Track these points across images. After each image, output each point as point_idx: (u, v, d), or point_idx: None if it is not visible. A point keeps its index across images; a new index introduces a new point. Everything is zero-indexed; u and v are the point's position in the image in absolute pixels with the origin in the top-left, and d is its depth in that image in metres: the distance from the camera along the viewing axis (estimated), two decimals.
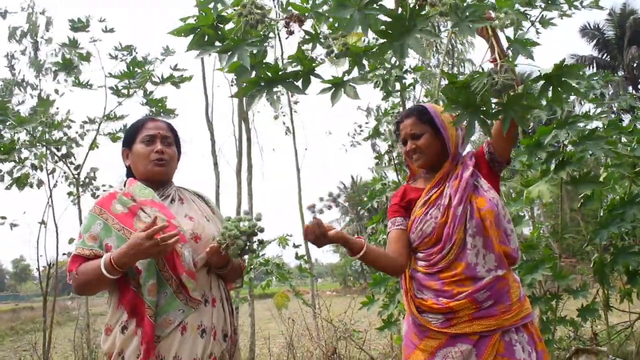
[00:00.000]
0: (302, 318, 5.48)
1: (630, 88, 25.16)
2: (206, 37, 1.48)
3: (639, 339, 4.76)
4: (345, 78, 1.50)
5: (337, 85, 1.50)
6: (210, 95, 7.25)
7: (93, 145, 4.51)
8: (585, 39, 27.23)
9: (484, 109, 1.45)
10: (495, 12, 1.46)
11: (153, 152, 2.02)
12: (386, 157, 3.99)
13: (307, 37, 1.51)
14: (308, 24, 1.50)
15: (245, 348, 5.74)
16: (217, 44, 1.49)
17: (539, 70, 1.46)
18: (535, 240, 3.85)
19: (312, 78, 1.55)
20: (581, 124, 3.25)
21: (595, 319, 4.25)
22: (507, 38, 1.48)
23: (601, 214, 3.62)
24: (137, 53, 4.18)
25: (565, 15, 4.30)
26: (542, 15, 4.31)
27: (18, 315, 19.39)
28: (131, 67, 4.00)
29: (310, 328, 5.61)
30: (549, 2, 4.38)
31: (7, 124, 3.73)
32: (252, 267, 4.79)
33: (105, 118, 4.34)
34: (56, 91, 4.61)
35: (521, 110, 1.41)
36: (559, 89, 1.42)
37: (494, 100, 1.49)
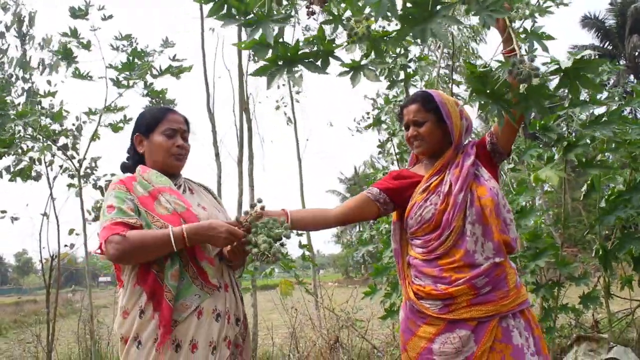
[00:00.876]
0: (305, 307, 5.49)
1: (631, 77, 25.09)
2: (226, 6, 1.47)
3: None
4: (364, 62, 1.51)
5: (356, 69, 1.51)
6: (212, 86, 7.24)
7: (94, 136, 4.51)
8: (586, 30, 27.12)
9: (507, 98, 1.46)
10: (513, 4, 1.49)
11: (174, 146, 2.06)
12: (388, 145, 3.99)
13: (329, 17, 1.51)
14: (330, 6, 1.50)
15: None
16: (237, 16, 1.49)
17: (557, 63, 1.46)
18: (538, 229, 3.86)
19: (332, 60, 1.55)
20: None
21: (596, 307, 4.28)
22: (524, 30, 1.50)
23: (602, 204, 3.63)
24: (137, 44, 4.17)
25: (562, 4, 4.31)
26: (539, 3, 4.33)
27: (21, 308, 19.45)
28: (131, 58, 3.99)
29: (313, 318, 5.63)
30: None
31: (9, 116, 3.72)
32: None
33: (105, 109, 4.33)
34: (48, 82, 4.57)
35: (542, 101, 1.41)
36: (577, 82, 1.43)
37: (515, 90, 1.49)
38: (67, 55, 4.04)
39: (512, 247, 2.02)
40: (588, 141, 3.28)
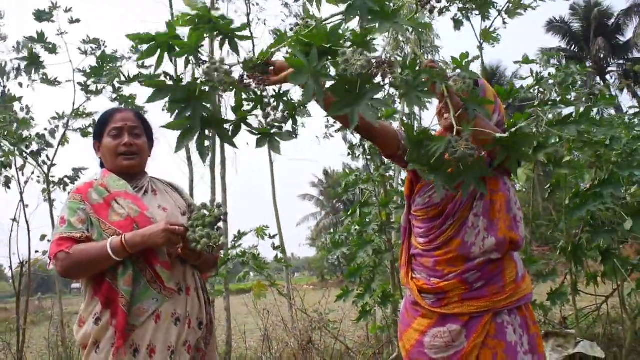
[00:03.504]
0: (278, 310, 5.51)
1: (597, 78, 25.69)
2: (159, 51, 1.38)
3: (606, 321, 4.90)
4: (273, 131, 1.44)
5: (264, 135, 1.44)
6: None
7: (63, 140, 4.45)
8: (552, 34, 27.68)
9: (444, 170, 1.40)
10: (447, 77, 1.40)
11: (120, 146, 2.01)
12: (360, 149, 4.03)
13: (251, 95, 1.47)
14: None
15: (222, 342, 5.75)
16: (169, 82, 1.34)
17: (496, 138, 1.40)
18: None
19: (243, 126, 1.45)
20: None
21: (564, 303, 4.38)
22: (462, 98, 1.43)
23: (567, 202, 3.72)
24: (105, 47, 4.13)
25: (530, 8, 4.41)
26: (508, 6, 4.41)
27: None
28: (100, 62, 3.96)
29: (286, 319, 5.64)
30: None
31: None
32: (228, 258, 4.80)
33: (74, 114, 4.29)
34: (20, 85, 4.51)
35: (480, 175, 1.38)
36: (515, 154, 1.39)
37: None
38: (33, 61, 3.98)
39: (519, 245, 1.95)
40: (557, 140, 3.36)
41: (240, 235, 5.02)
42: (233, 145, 1.41)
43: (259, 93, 1.47)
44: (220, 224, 1.88)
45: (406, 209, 2.15)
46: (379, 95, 1.32)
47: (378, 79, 1.28)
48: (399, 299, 3.84)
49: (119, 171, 2.03)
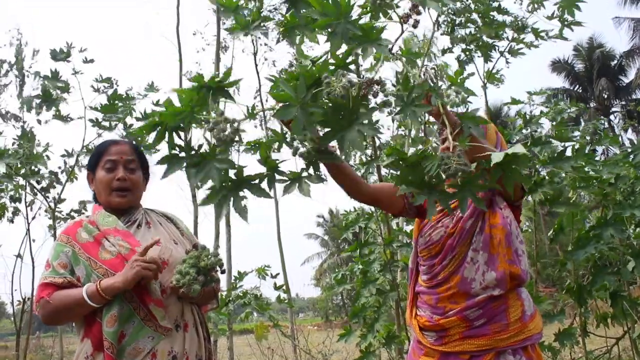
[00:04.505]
0: (282, 349, 5.43)
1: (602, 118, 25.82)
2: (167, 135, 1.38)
3: None
4: (303, 174, 1.43)
5: (293, 180, 1.43)
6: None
7: (71, 176, 4.50)
8: (556, 74, 28.00)
9: (442, 190, 1.39)
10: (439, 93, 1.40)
11: (115, 180, 1.96)
12: None
13: (273, 136, 1.47)
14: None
15: None
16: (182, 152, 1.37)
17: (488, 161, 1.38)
18: None
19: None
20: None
21: (573, 345, 4.30)
22: (457, 115, 1.44)
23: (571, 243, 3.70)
24: (118, 86, 4.23)
25: (533, 46, 4.48)
26: (511, 45, 4.49)
27: None
28: (112, 100, 4.03)
29: None
30: (517, 33, 4.53)
31: None
32: (230, 299, 4.76)
33: (84, 150, 4.34)
34: (39, 121, 4.60)
35: (477, 191, 1.37)
36: (509, 175, 1.38)
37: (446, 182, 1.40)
38: (47, 98, 4.06)
39: (521, 279, 1.90)
40: (555, 178, 3.37)
41: (241, 275, 5.00)
42: (269, 197, 1.38)
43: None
44: (218, 272, 1.88)
45: (413, 250, 2.16)
46: (373, 117, 1.32)
47: (370, 100, 1.30)
48: (404, 339, 3.79)
49: (111, 207, 1.99)
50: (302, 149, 1.39)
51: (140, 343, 1.79)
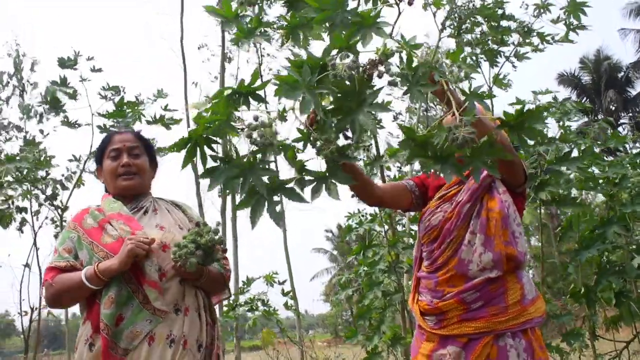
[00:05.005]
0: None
1: (609, 131, 25.69)
2: (198, 150, 1.37)
3: None
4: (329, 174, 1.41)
5: (319, 180, 1.40)
6: None
7: (78, 182, 4.55)
8: (563, 86, 27.95)
9: (453, 161, 1.38)
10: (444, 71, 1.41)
11: (119, 166, 2.02)
12: None
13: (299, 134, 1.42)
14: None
15: None
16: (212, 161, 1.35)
17: (500, 119, 1.43)
18: None
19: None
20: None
21: (582, 348, 4.26)
22: (462, 91, 1.45)
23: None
24: (124, 93, 4.29)
25: (538, 50, 4.50)
26: (517, 50, 4.51)
27: None
28: (119, 106, 4.10)
29: None
30: (522, 38, 4.54)
31: None
32: (237, 304, 4.78)
33: (91, 155, 4.40)
34: (41, 131, 4.68)
35: (489, 159, 1.37)
36: (523, 135, 1.40)
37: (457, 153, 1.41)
38: (55, 104, 4.13)
39: (519, 260, 1.91)
40: (560, 180, 3.37)
41: (249, 281, 5.02)
42: (304, 201, 1.36)
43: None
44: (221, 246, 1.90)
45: (417, 238, 2.18)
46: (379, 99, 1.32)
47: (375, 81, 1.30)
48: (410, 341, 3.77)
49: (119, 192, 2.04)
50: (325, 150, 1.35)
51: (138, 326, 1.80)
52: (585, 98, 27.90)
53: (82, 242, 1.93)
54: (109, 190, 2.09)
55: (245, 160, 1.31)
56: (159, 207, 2.09)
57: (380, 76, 1.34)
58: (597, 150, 4.01)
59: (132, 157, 2.04)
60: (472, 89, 1.43)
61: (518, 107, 1.36)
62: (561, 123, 3.73)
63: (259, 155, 1.32)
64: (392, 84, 1.37)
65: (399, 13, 1.52)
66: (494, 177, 1.93)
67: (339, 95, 1.33)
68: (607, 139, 4.07)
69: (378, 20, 1.35)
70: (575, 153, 3.35)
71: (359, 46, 1.35)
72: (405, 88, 1.34)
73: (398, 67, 1.37)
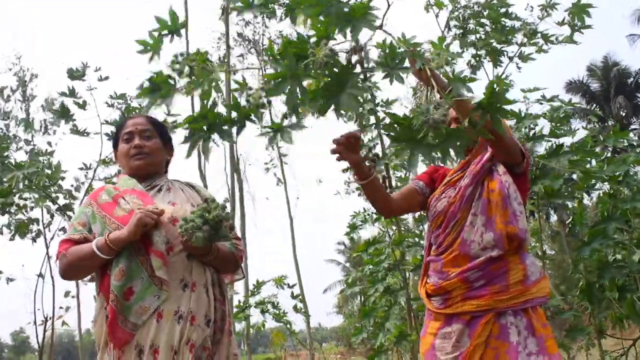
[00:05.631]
0: None
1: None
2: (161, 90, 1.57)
3: None
4: (285, 123, 1.54)
5: (275, 131, 1.55)
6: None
7: (89, 190, 4.65)
8: (571, 94, 27.80)
9: (426, 143, 1.47)
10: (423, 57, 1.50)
11: (131, 148, 2.09)
12: None
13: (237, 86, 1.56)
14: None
15: None
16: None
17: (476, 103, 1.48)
18: None
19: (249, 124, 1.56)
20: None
21: (589, 347, 4.27)
22: (446, 76, 1.54)
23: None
24: (131, 101, 4.41)
25: (542, 51, 4.54)
26: (521, 50, 4.55)
27: None
28: (125, 115, 4.22)
29: None
30: (527, 39, 4.58)
31: (4, 171, 3.89)
32: (248, 305, 4.85)
33: (100, 163, 4.52)
34: (49, 144, 4.81)
35: (462, 141, 1.46)
36: (497, 115, 1.46)
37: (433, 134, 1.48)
38: (64, 114, 4.26)
39: (520, 238, 1.98)
40: (553, 174, 3.41)
41: (259, 284, 5.09)
42: (232, 141, 1.54)
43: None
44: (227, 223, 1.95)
45: (427, 226, 2.29)
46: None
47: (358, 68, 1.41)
48: (415, 339, 3.81)
49: (132, 173, 2.12)
50: (254, 101, 1.50)
51: (147, 301, 1.85)
52: (594, 105, 27.79)
53: (95, 215, 2.00)
54: (123, 172, 2.19)
55: None
56: (172, 186, 2.15)
57: (359, 63, 1.45)
58: (598, 149, 4.05)
59: (143, 139, 2.11)
60: (454, 74, 1.51)
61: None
62: (553, 121, 3.76)
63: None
64: (370, 70, 1.47)
65: (389, 5, 1.61)
66: (494, 160, 2.06)
67: (323, 84, 1.44)
68: (609, 135, 4.10)
69: (368, 12, 1.44)
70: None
71: (340, 36, 1.45)
72: (385, 73, 1.44)
73: (380, 54, 1.47)
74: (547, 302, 2.05)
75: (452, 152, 1.47)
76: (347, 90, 1.41)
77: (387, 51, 1.45)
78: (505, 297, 1.93)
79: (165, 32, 1.58)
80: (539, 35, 4.28)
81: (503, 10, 4.15)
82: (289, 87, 1.42)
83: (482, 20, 4.24)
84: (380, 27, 1.53)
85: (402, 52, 1.45)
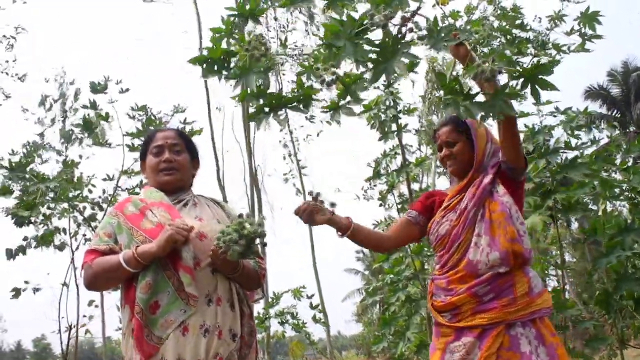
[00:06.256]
0: None
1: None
2: (216, 67, 1.76)
3: None
4: (340, 103, 1.72)
5: (335, 109, 1.73)
6: (221, 159, 7.58)
7: (112, 200, 4.74)
8: (590, 101, 27.47)
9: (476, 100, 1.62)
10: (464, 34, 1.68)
11: (161, 162, 2.09)
12: (389, 198, 4.15)
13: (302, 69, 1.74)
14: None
15: None
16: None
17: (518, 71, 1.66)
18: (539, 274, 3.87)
19: (314, 102, 1.78)
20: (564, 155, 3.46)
21: (610, 357, 4.24)
22: (484, 54, 1.67)
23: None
24: (151, 113, 4.51)
25: (555, 62, 4.52)
26: (534, 62, 4.54)
27: None
28: (145, 126, 4.32)
29: None
30: (538, 48, 4.61)
31: (29, 183, 4.00)
32: (267, 316, 4.89)
33: (122, 173, 4.60)
34: (80, 157, 4.90)
35: (508, 97, 1.60)
36: (536, 85, 1.62)
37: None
38: (87, 126, 4.37)
39: (525, 257, 2.06)
40: (573, 187, 3.40)
41: (277, 296, 5.13)
42: (305, 112, 1.80)
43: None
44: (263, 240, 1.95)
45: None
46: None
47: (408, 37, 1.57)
48: None
49: (160, 187, 2.10)
50: (325, 78, 1.64)
51: (172, 315, 1.84)
52: (615, 110, 27.47)
53: (122, 226, 1.98)
54: (149, 184, 2.17)
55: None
56: (198, 201, 2.15)
57: (411, 30, 1.58)
58: (618, 157, 4.02)
59: (173, 153, 2.11)
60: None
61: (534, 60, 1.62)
62: (570, 131, 3.75)
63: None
64: (421, 39, 1.60)
65: None
66: (494, 183, 2.15)
67: (375, 52, 1.60)
68: (629, 147, 4.07)
69: None
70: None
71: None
72: (431, 42, 1.58)
73: (427, 25, 1.61)
74: (551, 312, 2.12)
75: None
76: (398, 56, 1.54)
77: (433, 23, 1.59)
78: (514, 309, 2.00)
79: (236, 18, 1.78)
80: (550, 45, 4.29)
81: (518, 22, 4.17)
82: (342, 43, 1.57)
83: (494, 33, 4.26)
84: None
85: (447, 25, 1.59)
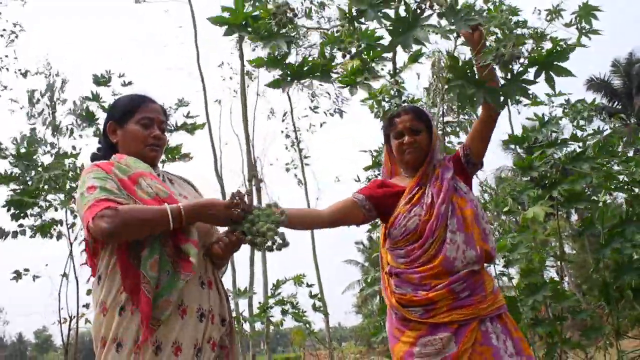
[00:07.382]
0: None
1: None
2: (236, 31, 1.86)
3: None
4: (358, 79, 1.84)
5: (352, 84, 1.88)
6: (219, 151, 7.61)
7: None
8: (592, 92, 27.39)
9: (488, 86, 1.68)
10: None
11: (150, 137, 1.97)
12: None
13: (326, 39, 1.83)
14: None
15: None
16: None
17: (532, 57, 1.71)
18: (537, 265, 3.91)
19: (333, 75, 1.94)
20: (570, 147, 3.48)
21: (607, 347, 4.25)
22: (498, 39, 1.72)
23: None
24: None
25: (571, 47, 4.52)
26: (532, 56, 4.55)
27: None
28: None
29: None
30: (536, 44, 4.61)
31: (32, 173, 4.02)
32: (268, 307, 4.93)
33: None
34: (73, 148, 4.92)
35: (525, 84, 1.65)
36: (551, 72, 1.65)
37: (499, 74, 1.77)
38: (89, 117, 4.39)
39: (491, 255, 2.19)
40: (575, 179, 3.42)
41: (278, 283, 5.17)
42: (329, 81, 1.95)
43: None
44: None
45: (381, 242, 2.39)
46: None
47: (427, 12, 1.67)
48: None
49: (140, 159, 1.95)
50: (349, 49, 1.76)
51: (172, 296, 1.73)
52: (616, 102, 27.41)
53: (121, 190, 1.80)
54: (122, 152, 1.98)
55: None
56: (172, 178, 2.08)
57: (431, 7, 1.66)
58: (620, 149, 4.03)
59: (160, 130, 2.02)
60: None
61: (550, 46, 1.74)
62: (575, 123, 3.77)
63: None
64: (440, 15, 1.67)
65: None
66: (455, 178, 2.22)
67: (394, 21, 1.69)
68: (634, 140, 4.09)
69: None
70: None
71: None
72: (452, 20, 1.67)
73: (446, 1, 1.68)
74: (506, 309, 2.21)
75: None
76: (418, 27, 1.63)
77: (453, 2, 1.66)
78: (485, 305, 2.10)
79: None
80: (547, 37, 4.29)
81: (515, 18, 4.18)
82: (366, 8, 1.67)
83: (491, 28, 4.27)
84: None
85: (467, 5, 1.67)
